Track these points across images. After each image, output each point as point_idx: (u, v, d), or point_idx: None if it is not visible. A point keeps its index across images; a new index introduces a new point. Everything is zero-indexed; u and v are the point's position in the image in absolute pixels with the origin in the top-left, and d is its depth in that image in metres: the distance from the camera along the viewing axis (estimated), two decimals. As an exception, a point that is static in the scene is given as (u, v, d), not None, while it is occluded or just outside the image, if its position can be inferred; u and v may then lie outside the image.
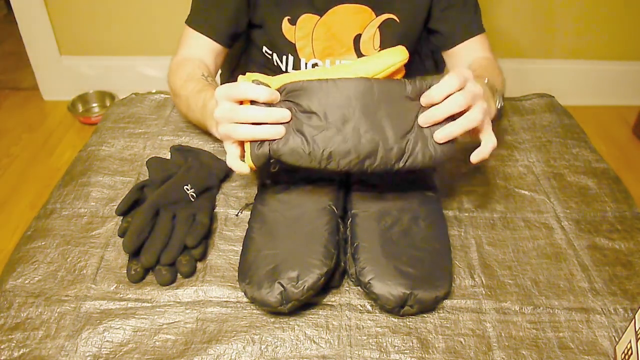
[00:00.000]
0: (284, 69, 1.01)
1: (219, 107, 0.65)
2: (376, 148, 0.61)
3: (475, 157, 0.66)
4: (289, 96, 0.62)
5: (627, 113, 2.21)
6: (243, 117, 0.62)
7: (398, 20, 0.96)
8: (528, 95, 1.04)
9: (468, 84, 0.62)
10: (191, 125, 0.92)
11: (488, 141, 0.65)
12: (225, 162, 0.81)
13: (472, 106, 0.62)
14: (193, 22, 0.95)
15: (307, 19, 0.95)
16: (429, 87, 0.62)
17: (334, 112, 0.61)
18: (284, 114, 0.62)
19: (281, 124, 0.62)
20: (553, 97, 1.04)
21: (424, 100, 0.62)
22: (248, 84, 0.63)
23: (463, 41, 0.97)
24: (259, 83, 0.63)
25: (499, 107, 0.79)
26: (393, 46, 0.97)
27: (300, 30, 0.96)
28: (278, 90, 0.63)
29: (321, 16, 0.94)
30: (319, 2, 0.93)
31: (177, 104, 0.90)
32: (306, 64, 0.99)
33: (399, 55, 0.68)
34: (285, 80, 0.64)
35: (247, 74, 0.66)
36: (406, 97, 0.62)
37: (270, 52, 1.01)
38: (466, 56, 0.98)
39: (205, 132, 0.90)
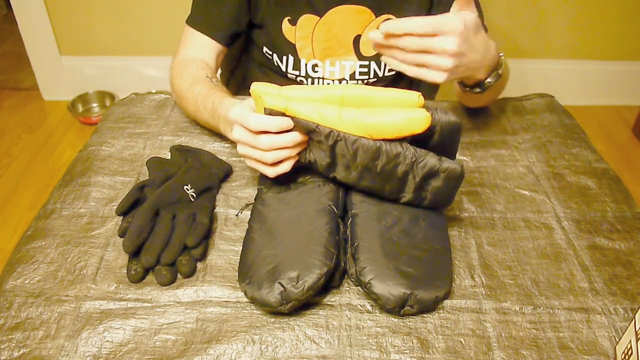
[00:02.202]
0: (284, 69, 1.01)
1: (236, 129, 0.69)
2: (374, 191, 0.69)
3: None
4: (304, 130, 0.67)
5: (627, 113, 2.21)
6: (265, 145, 0.67)
7: None
8: (528, 95, 1.04)
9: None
10: (191, 125, 0.92)
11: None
12: (225, 162, 0.81)
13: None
14: (194, 21, 0.95)
15: (307, 20, 0.95)
16: (424, 162, 0.64)
17: (340, 160, 0.67)
18: (303, 138, 0.67)
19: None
20: (553, 97, 1.04)
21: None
22: (260, 117, 0.66)
23: None
24: (271, 112, 0.65)
25: (501, 56, 0.79)
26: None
27: (301, 30, 0.96)
28: (290, 116, 0.65)
29: (321, 17, 0.95)
30: (319, 2, 0.93)
31: (184, 105, 0.90)
32: (306, 64, 0.99)
33: (417, 108, 0.65)
34: (295, 94, 0.66)
35: (257, 87, 0.67)
36: (405, 165, 0.65)
37: (270, 53, 1.01)
38: None
39: (208, 132, 0.90)
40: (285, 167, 0.69)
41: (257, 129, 0.66)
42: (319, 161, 0.69)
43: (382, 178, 0.66)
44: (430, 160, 0.64)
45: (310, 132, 0.66)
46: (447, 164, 0.64)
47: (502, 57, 0.79)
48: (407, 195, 0.68)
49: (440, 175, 0.65)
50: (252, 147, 0.68)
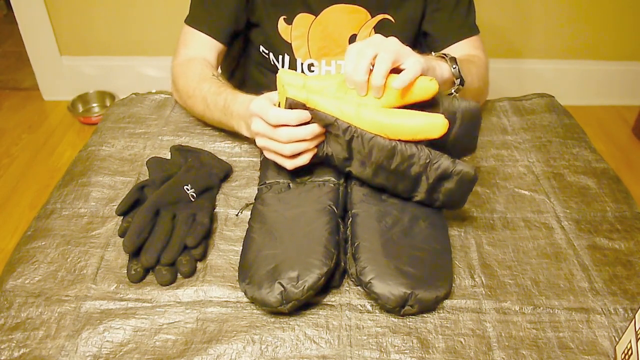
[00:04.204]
0: (280, 68, 1.01)
1: (255, 122, 0.70)
2: (387, 188, 0.70)
3: (398, 82, 0.65)
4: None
5: (627, 113, 2.21)
6: (284, 137, 0.67)
7: (393, 21, 0.96)
8: (528, 95, 1.04)
9: (364, 43, 0.66)
10: (191, 125, 0.92)
11: (411, 65, 0.65)
12: (225, 162, 0.81)
13: (379, 52, 0.65)
14: (193, 21, 0.95)
15: (302, 19, 0.95)
16: (438, 164, 0.64)
17: (356, 156, 0.67)
18: (321, 130, 0.67)
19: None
20: (553, 97, 1.04)
21: (351, 85, 0.66)
22: (280, 111, 0.66)
23: (452, 44, 0.96)
24: (293, 102, 0.66)
25: (454, 70, 0.79)
26: None
27: (296, 29, 0.96)
28: (310, 108, 0.66)
29: (316, 16, 0.94)
30: (314, 2, 0.93)
31: (191, 104, 0.90)
32: (302, 64, 0.99)
33: (435, 114, 0.65)
34: (318, 84, 0.67)
35: (283, 74, 0.68)
36: (419, 165, 0.65)
37: (267, 52, 1.01)
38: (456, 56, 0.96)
39: (209, 132, 0.90)
40: (304, 159, 0.70)
41: (276, 122, 0.67)
42: (336, 154, 0.69)
43: (395, 177, 0.67)
44: (444, 162, 0.65)
45: (328, 126, 0.66)
46: (460, 166, 0.65)
47: (456, 69, 0.79)
48: (419, 195, 0.68)
49: (453, 177, 0.65)
50: (270, 140, 0.69)
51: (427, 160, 0.64)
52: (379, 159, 0.66)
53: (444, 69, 0.77)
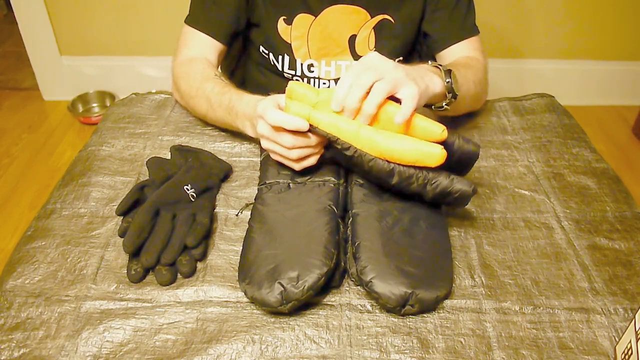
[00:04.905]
0: (280, 68, 1.01)
1: (261, 124, 0.70)
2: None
3: (399, 117, 0.64)
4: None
5: (627, 113, 2.21)
6: (288, 144, 0.68)
7: (393, 21, 0.96)
8: (528, 95, 1.04)
9: (363, 67, 0.66)
10: (191, 125, 0.92)
11: (407, 96, 0.65)
12: (225, 162, 0.81)
13: (377, 80, 0.65)
14: (193, 20, 0.95)
15: (302, 19, 0.95)
16: (436, 184, 0.65)
17: (357, 168, 0.71)
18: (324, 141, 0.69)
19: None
20: (553, 97, 1.04)
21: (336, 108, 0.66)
22: (278, 114, 0.67)
23: (451, 44, 0.96)
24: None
25: (447, 83, 0.76)
26: (388, 47, 0.98)
27: (296, 30, 0.96)
28: (311, 125, 0.67)
29: (316, 16, 0.95)
30: (314, 2, 0.93)
31: (194, 104, 0.90)
32: (302, 64, 0.99)
33: (434, 143, 0.65)
34: (326, 97, 0.68)
35: (292, 86, 0.68)
36: (417, 185, 0.66)
37: (266, 52, 1.01)
38: (454, 59, 0.96)
39: (209, 132, 0.90)
40: (311, 161, 0.71)
41: (273, 123, 0.67)
42: (339, 159, 0.72)
43: (395, 189, 0.69)
44: (443, 182, 0.65)
45: (330, 141, 0.68)
46: (459, 185, 0.65)
47: (449, 83, 0.77)
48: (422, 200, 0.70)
49: (451, 195, 0.66)
50: (275, 143, 0.70)
51: (425, 181, 0.65)
52: (378, 177, 0.67)
53: (437, 84, 0.74)
